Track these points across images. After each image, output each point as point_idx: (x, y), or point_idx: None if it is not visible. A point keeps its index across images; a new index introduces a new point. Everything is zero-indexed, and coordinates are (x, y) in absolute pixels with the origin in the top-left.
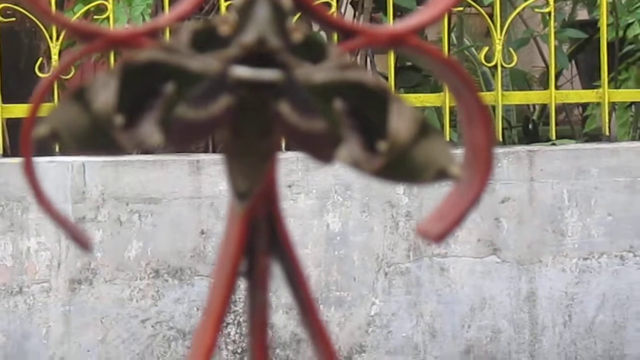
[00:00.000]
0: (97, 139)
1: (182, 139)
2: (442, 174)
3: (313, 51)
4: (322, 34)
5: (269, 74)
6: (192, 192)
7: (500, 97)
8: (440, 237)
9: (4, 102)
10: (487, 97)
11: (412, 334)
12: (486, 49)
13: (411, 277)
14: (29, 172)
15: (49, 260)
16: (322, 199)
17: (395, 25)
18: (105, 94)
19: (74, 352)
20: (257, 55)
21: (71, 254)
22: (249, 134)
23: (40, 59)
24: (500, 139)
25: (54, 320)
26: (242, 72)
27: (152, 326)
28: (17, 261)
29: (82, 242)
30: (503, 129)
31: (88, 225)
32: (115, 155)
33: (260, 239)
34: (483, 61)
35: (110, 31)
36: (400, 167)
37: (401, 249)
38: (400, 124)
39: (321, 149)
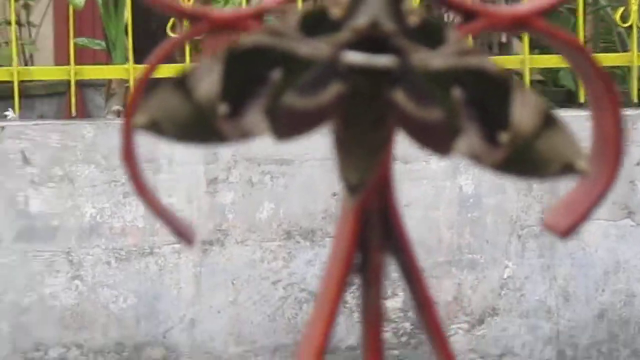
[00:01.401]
0: (200, 128)
1: (290, 129)
2: (568, 169)
3: (430, 36)
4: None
5: (383, 60)
6: (324, 153)
7: (636, 58)
8: (567, 232)
9: (136, 63)
10: (622, 58)
11: (545, 297)
12: (622, 9)
13: (545, 240)
14: (129, 157)
15: None
16: (455, 160)
17: (519, 6)
18: (208, 81)
19: (205, 313)
20: (371, 40)
21: (203, 215)
22: (361, 123)
23: (173, 19)
24: (635, 100)
25: (185, 282)
26: (355, 57)
27: (284, 288)
28: (148, 222)
29: (186, 236)
30: (638, 90)
31: (220, 187)
32: (219, 145)
33: (374, 233)
34: (618, 21)
35: (214, 13)
36: (523, 160)
37: (535, 212)
38: (523, 114)
39: (438, 140)
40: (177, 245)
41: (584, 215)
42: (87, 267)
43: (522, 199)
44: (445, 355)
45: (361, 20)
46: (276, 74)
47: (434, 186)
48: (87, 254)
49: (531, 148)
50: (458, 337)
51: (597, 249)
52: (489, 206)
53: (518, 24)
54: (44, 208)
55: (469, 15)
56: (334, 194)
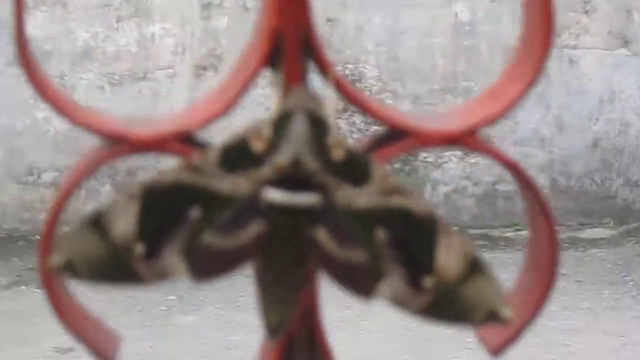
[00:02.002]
0: (116, 269)
1: (209, 269)
2: (492, 316)
3: (355, 170)
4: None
5: (305, 198)
6: None
7: None
8: (497, 351)
9: None
10: None
11: (539, 126)
12: None
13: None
14: None
15: (173, 46)
16: None
17: (451, 124)
18: (124, 220)
19: None
20: (293, 176)
21: (196, 39)
22: (281, 262)
23: None
24: None
25: (179, 107)
26: (275, 195)
27: None
28: (142, 47)
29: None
30: None
31: (214, 12)
32: (135, 287)
33: (299, 356)
34: None
35: (135, 134)
36: (447, 306)
37: None
38: (449, 258)
39: (361, 283)
40: (171, 70)
41: (516, 336)
42: (80, 92)
43: (518, 28)
44: None
45: (283, 156)
46: (195, 212)
47: (429, 13)
48: (81, 78)
49: (456, 294)
50: (451, 165)
51: (592, 78)
52: (484, 34)
53: (451, 143)
54: (37, 32)
55: (397, 133)
56: (329, 20)
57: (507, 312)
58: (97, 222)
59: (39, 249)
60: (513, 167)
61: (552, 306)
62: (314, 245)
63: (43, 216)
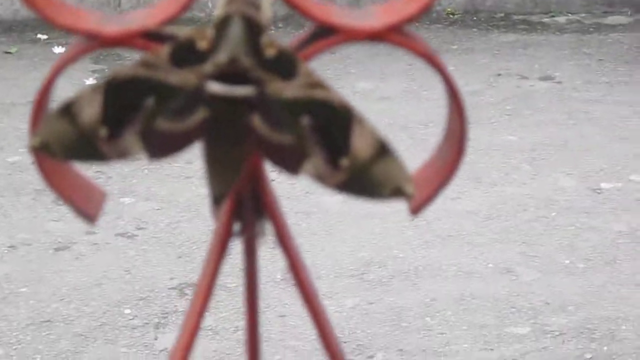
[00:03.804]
0: (84, 149)
1: (162, 149)
2: (398, 192)
3: (285, 66)
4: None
5: (241, 90)
6: None
7: None
8: (416, 210)
9: None
10: None
11: None
12: None
13: None
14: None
15: None
16: None
17: (374, 20)
18: (90, 108)
19: None
20: (232, 71)
21: None
22: (222, 143)
23: None
24: None
25: None
26: (217, 87)
27: None
28: None
29: (86, 212)
30: None
31: None
32: (101, 164)
33: (247, 209)
34: None
35: (105, 31)
36: (359, 183)
37: None
38: (361, 142)
39: (289, 161)
40: None
41: (431, 197)
42: None
43: None
44: (315, 315)
45: (221, 56)
46: (149, 102)
47: None
48: None
49: (367, 173)
50: None
51: None
52: None
53: (374, 39)
54: None
55: (325, 30)
56: None
57: (409, 188)
58: (67, 110)
59: (28, 127)
60: (428, 57)
61: (577, 80)
62: (250, 129)
63: None
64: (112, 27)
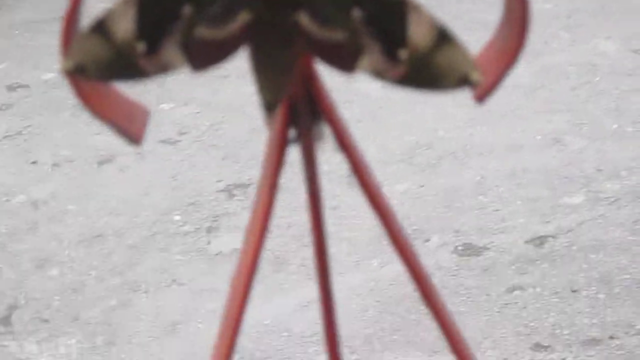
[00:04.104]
0: (122, 67)
1: (204, 60)
2: (463, 81)
3: None
4: None
5: None
6: None
7: None
8: (481, 97)
9: None
10: None
11: None
12: None
13: None
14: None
15: None
16: None
17: None
18: (124, 22)
19: None
20: None
21: None
22: (269, 46)
23: None
24: None
25: None
26: None
27: None
28: None
29: (131, 134)
30: None
31: None
32: (141, 81)
33: (303, 112)
34: None
35: None
36: (421, 74)
37: None
38: (419, 32)
39: (342, 59)
40: None
41: (497, 81)
42: None
43: None
44: (384, 217)
45: None
46: (187, 9)
47: None
48: None
49: (429, 63)
50: None
51: None
52: None
53: None
54: None
55: None
56: None
57: (476, 75)
58: (100, 27)
59: (60, 52)
60: None
61: None
62: (298, 29)
63: None
64: None
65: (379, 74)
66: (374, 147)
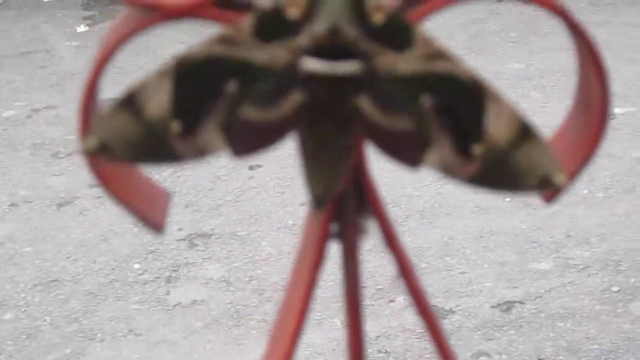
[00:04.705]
0: (153, 148)
1: (248, 144)
2: (546, 183)
3: (397, 34)
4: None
5: (345, 67)
6: None
7: None
8: (551, 198)
9: None
10: None
11: None
12: None
13: None
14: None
15: None
16: None
17: None
18: (158, 97)
19: None
20: (332, 44)
21: None
22: (324, 132)
23: None
24: None
25: None
26: (315, 65)
27: None
28: None
29: (153, 221)
30: None
31: None
32: (175, 164)
33: (348, 206)
34: None
35: (170, 1)
36: (497, 174)
37: None
38: (498, 125)
39: (407, 151)
40: None
41: (572, 179)
42: None
43: None
44: (428, 319)
45: (320, 26)
46: (231, 86)
47: None
48: None
49: (507, 161)
50: None
51: None
52: None
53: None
54: None
55: None
56: None
57: (561, 177)
58: (131, 102)
59: (77, 127)
60: (562, 14)
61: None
62: (357, 114)
63: None
64: None
65: (447, 170)
66: None
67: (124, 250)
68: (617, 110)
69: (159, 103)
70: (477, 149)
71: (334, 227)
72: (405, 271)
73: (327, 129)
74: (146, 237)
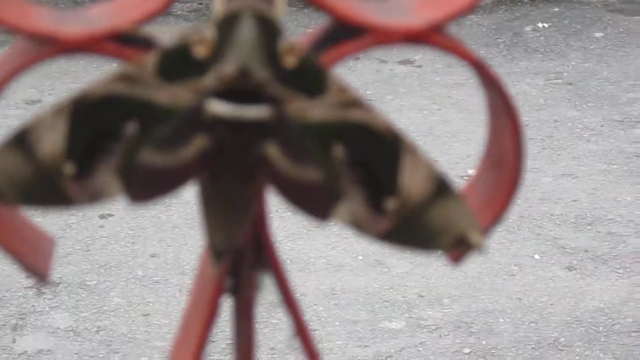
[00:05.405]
0: (44, 191)
1: (147, 189)
2: (461, 242)
3: (310, 79)
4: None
5: (253, 111)
6: None
7: None
8: (458, 258)
9: None
10: None
11: None
12: None
13: None
14: None
15: None
16: None
17: (412, 17)
18: (52, 137)
19: None
20: (240, 87)
21: None
22: (228, 180)
23: None
24: None
25: None
26: (220, 108)
27: None
28: None
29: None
30: None
31: None
32: (66, 209)
33: (245, 261)
34: None
35: (65, 33)
36: (411, 230)
37: None
38: (413, 179)
39: (316, 203)
40: None
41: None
42: None
43: None
44: None
45: (229, 65)
46: (131, 127)
47: None
48: None
49: (421, 217)
50: None
51: None
52: None
53: (412, 40)
54: None
55: (354, 30)
56: None
57: (477, 237)
58: (22, 141)
59: None
60: (479, 66)
61: (437, 63)
62: (264, 162)
63: None
64: (73, 27)
65: (358, 225)
66: (191, 255)
67: None
68: (471, 172)
69: (52, 143)
70: (391, 204)
71: (228, 281)
72: (302, 331)
73: (231, 177)
74: None
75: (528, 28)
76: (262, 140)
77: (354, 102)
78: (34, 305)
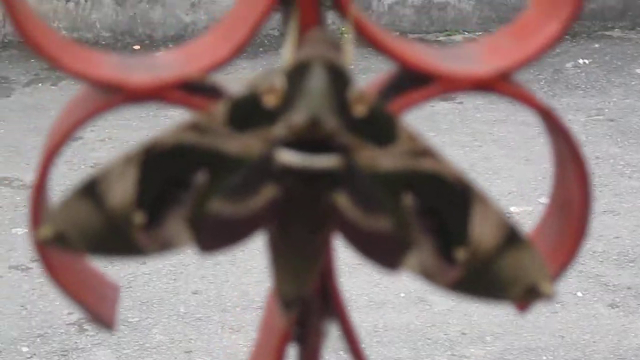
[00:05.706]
0: (114, 240)
1: (217, 239)
2: (532, 292)
3: (379, 128)
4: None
5: (323, 161)
6: None
7: None
8: (525, 306)
9: None
10: None
11: None
12: None
13: None
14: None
15: None
16: None
17: (479, 65)
18: (121, 186)
19: None
20: (310, 136)
21: None
22: (296, 230)
23: None
24: None
25: None
26: (291, 157)
27: None
28: None
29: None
30: None
31: None
32: (135, 258)
33: (312, 310)
34: None
35: (133, 82)
36: (481, 280)
37: None
38: (484, 229)
39: (386, 253)
40: None
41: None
42: None
43: None
44: None
45: (299, 115)
46: (200, 177)
47: None
48: None
49: (491, 268)
50: None
51: None
52: None
53: (480, 89)
54: None
55: (420, 78)
56: None
57: (548, 287)
58: (91, 190)
59: (28, 216)
60: (547, 114)
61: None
62: (333, 211)
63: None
64: (141, 75)
65: (428, 275)
66: (234, 292)
67: (12, 333)
68: (513, 209)
69: (122, 192)
70: (461, 254)
71: (295, 330)
72: None
73: (300, 226)
74: (35, 319)
75: (569, 64)
76: (332, 190)
77: (424, 151)
78: (76, 342)
